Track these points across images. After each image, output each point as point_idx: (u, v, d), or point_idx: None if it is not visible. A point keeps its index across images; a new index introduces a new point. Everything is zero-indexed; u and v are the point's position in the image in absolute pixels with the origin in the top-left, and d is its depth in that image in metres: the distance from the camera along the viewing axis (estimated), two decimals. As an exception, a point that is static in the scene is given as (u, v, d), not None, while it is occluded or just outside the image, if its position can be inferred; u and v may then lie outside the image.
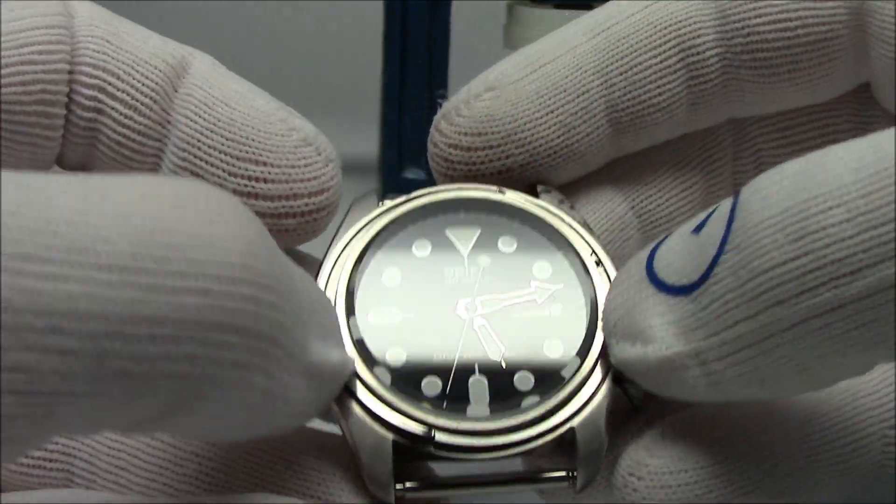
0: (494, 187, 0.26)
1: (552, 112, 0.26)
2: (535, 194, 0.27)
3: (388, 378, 0.23)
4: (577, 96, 0.26)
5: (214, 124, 0.24)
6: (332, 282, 0.24)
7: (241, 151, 0.24)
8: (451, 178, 0.27)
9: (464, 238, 0.25)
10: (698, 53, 0.25)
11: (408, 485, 0.23)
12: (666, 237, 0.22)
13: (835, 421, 0.25)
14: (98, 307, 0.16)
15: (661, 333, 0.21)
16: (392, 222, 0.25)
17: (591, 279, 0.25)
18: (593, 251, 0.25)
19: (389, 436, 0.23)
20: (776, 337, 0.19)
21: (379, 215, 0.26)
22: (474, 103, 0.26)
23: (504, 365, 0.24)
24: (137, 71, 0.23)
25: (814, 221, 0.19)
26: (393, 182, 0.52)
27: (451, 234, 0.26)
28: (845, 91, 0.26)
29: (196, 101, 0.24)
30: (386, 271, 0.25)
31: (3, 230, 0.15)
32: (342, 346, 0.23)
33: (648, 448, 0.24)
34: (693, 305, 0.20)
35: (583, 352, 0.24)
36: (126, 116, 0.23)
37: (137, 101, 0.23)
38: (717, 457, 0.24)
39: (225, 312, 0.17)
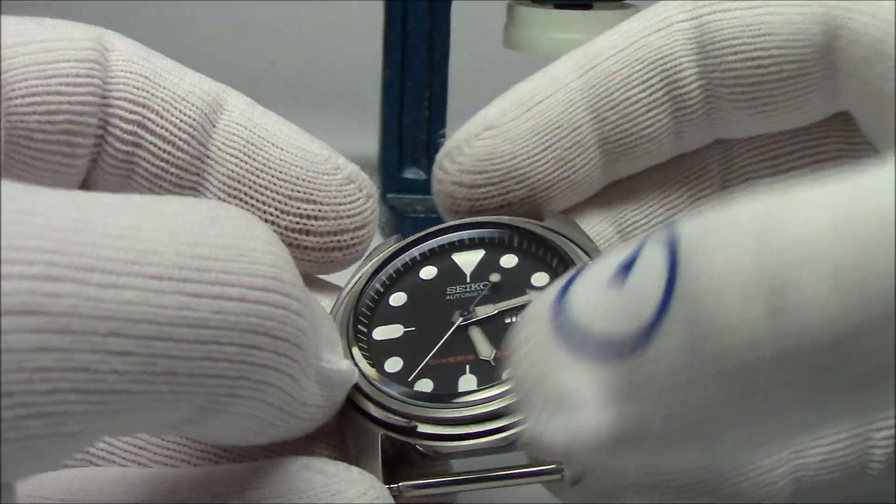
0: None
1: (548, 148, 0.27)
2: (540, 219, 0.28)
3: (383, 384, 0.24)
4: (571, 132, 0.27)
5: (265, 164, 0.25)
6: (342, 301, 0.26)
7: (293, 191, 0.25)
8: (456, 213, 0.28)
9: (468, 260, 0.26)
10: (682, 87, 0.27)
11: (400, 484, 0.24)
12: (578, 274, 0.19)
13: None
14: (151, 312, 0.17)
15: (591, 402, 0.18)
16: (401, 248, 0.27)
17: None
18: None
19: (378, 430, 0.24)
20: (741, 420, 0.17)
21: (391, 245, 0.27)
22: (475, 142, 0.27)
23: (493, 363, 0.24)
24: (176, 108, 0.25)
25: (794, 296, 0.16)
26: (393, 182, 0.52)
27: (456, 258, 0.27)
28: (825, 117, 0.27)
29: (243, 140, 0.25)
30: (394, 294, 0.26)
31: (69, 245, 0.16)
32: (345, 357, 0.24)
33: None
34: (630, 373, 0.17)
35: None
36: (164, 151, 0.24)
37: (176, 136, 0.24)
38: None
39: (259, 317, 0.19)
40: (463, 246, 0.27)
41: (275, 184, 0.25)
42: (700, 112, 0.27)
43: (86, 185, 0.25)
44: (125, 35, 0.27)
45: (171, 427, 0.19)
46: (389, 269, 0.26)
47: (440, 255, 0.27)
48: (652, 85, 0.27)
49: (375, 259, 0.27)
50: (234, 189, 0.25)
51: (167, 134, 0.24)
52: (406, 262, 0.26)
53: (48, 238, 0.16)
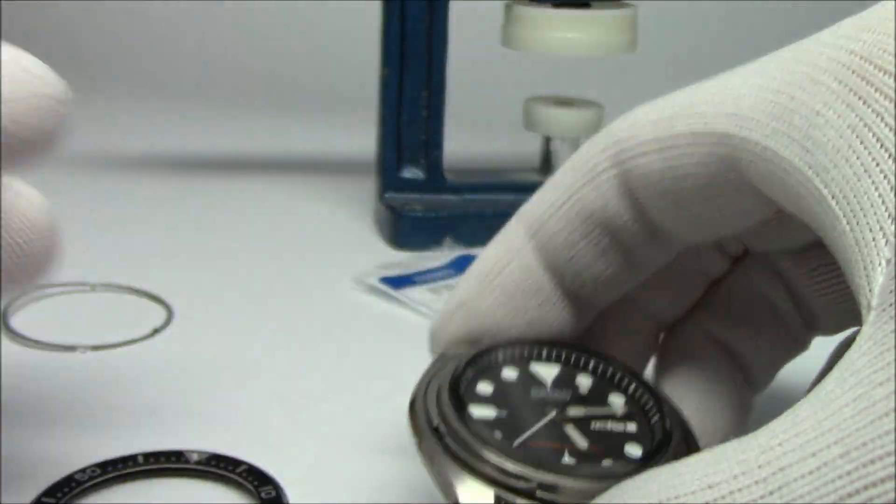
0: None
1: (516, 316, 0.29)
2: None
3: (495, 446, 0.25)
4: (534, 294, 0.29)
5: None
6: (432, 390, 0.26)
7: None
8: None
9: (546, 372, 0.28)
10: (625, 230, 0.27)
11: None
12: None
13: None
14: None
15: None
16: (482, 351, 0.28)
17: (662, 409, 0.27)
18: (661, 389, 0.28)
19: (491, 489, 0.24)
20: None
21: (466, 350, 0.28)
22: (449, 324, 0.29)
23: (591, 453, 0.25)
24: None
25: None
26: (391, 181, 0.52)
27: (534, 367, 0.28)
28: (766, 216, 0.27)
29: None
30: (480, 384, 0.27)
31: None
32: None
33: None
34: None
35: (660, 461, 0.25)
36: None
37: None
38: None
39: None
40: (540, 357, 0.28)
41: None
42: (650, 244, 0.28)
43: None
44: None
45: None
46: (472, 364, 0.27)
47: (518, 362, 0.28)
48: (595, 236, 0.28)
49: (456, 358, 0.28)
50: None
51: None
52: (488, 362, 0.28)
53: None
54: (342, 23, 0.82)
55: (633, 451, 0.25)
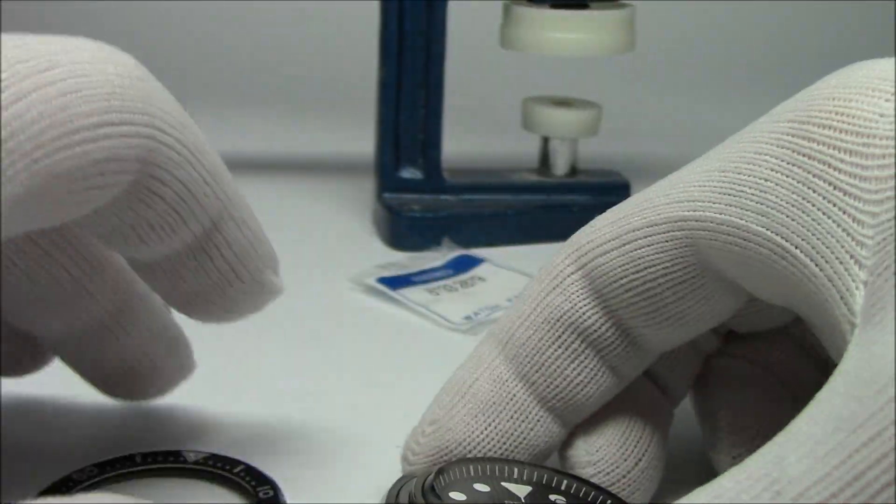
0: None
1: (489, 426, 0.28)
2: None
3: None
4: (507, 404, 0.28)
5: None
6: (403, 495, 0.27)
7: None
8: None
9: (519, 489, 0.28)
10: (595, 331, 0.28)
11: None
12: None
13: None
14: None
15: None
16: (451, 463, 0.28)
17: None
18: None
19: None
20: None
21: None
22: (422, 439, 0.29)
23: None
24: None
25: None
26: (389, 181, 0.52)
27: (506, 485, 0.28)
28: (742, 304, 0.28)
29: None
30: (452, 493, 0.27)
31: None
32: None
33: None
34: None
35: None
36: None
37: None
38: None
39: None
40: (511, 478, 0.28)
41: None
42: (622, 345, 0.28)
43: None
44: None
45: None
46: (443, 474, 0.27)
47: (490, 478, 0.28)
48: (565, 340, 0.28)
49: (424, 473, 0.27)
50: None
51: None
52: (458, 474, 0.27)
53: None
54: (340, 23, 0.82)
55: None
